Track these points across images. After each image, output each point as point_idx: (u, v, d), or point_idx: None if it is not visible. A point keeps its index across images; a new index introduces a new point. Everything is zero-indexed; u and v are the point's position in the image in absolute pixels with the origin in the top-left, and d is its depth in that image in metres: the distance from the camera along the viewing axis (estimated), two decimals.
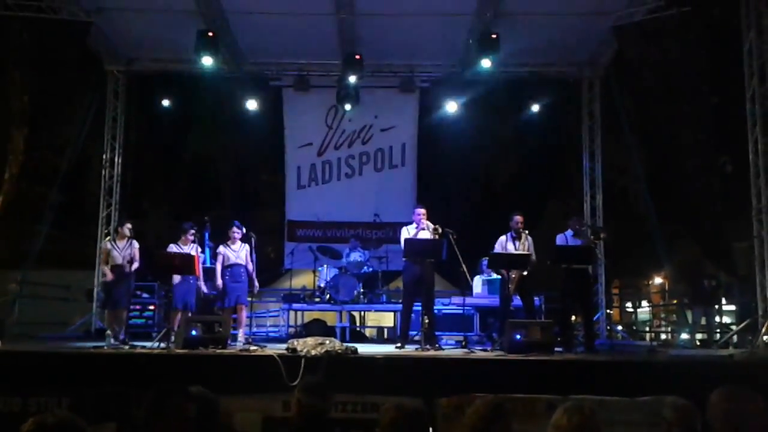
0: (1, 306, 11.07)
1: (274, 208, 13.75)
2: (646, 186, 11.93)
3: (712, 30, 12.63)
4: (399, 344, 8.35)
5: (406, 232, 8.63)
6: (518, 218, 8.90)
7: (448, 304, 10.49)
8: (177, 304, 8.66)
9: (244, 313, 9.04)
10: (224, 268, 8.91)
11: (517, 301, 9.87)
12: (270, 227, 13.41)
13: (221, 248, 8.98)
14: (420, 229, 8.55)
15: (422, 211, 8.63)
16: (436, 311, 10.07)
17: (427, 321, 8.20)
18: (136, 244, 8.73)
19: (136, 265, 8.69)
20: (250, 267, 9.03)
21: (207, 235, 9.12)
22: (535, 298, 10.05)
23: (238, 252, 8.91)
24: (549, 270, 9.24)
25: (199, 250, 9.07)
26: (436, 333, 8.79)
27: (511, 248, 8.82)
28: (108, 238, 10.24)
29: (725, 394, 3.11)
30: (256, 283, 9.14)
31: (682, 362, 7.57)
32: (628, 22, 10.71)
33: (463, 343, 8.29)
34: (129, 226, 8.74)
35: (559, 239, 8.92)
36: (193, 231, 8.90)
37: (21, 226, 14.09)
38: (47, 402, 6.27)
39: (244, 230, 9.06)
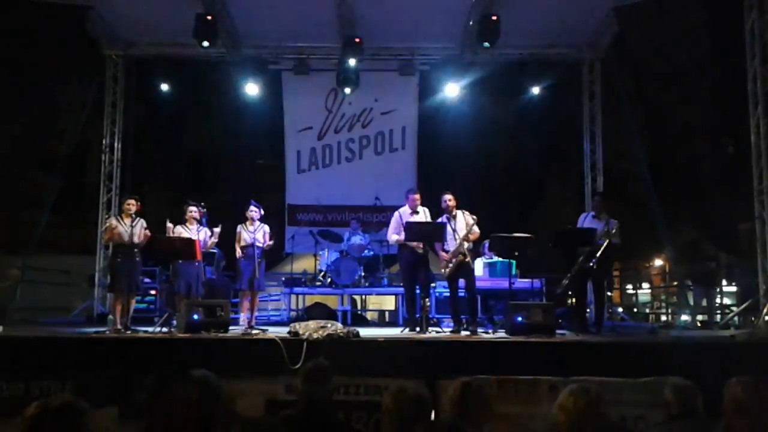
0: (2, 291, 11.07)
1: (275, 193, 13.69)
2: (647, 168, 11.87)
3: (713, 10, 12.56)
4: (406, 327, 8.40)
5: (398, 216, 8.67)
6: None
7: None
8: (180, 289, 8.37)
9: (257, 298, 8.86)
10: (240, 248, 8.64)
11: (519, 283, 9.92)
12: (270, 211, 13.39)
13: (238, 228, 8.70)
14: (414, 213, 8.58)
15: (417, 196, 8.69)
16: (437, 294, 10.10)
17: (428, 304, 8.21)
18: (143, 223, 8.34)
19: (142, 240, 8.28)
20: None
21: (205, 221, 8.96)
22: (536, 281, 10.06)
23: (254, 233, 8.60)
24: (551, 252, 9.22)
25: (207, 232, 8.68)
26: (438, 316, 8.76)
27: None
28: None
29: (742, 384, 3.09)
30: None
31: (683, 343, 7.59)
32: (629, 3, 10.63)
33: (465, 326, 8.28)
34: (132, 201, 8.36)
35: (580, 219, 8.92)
36: (192, 208, 8.66)
37: (21, 211, 14.07)
38: (50, 386, 6.30)
39: (263, 211, 8.85)
